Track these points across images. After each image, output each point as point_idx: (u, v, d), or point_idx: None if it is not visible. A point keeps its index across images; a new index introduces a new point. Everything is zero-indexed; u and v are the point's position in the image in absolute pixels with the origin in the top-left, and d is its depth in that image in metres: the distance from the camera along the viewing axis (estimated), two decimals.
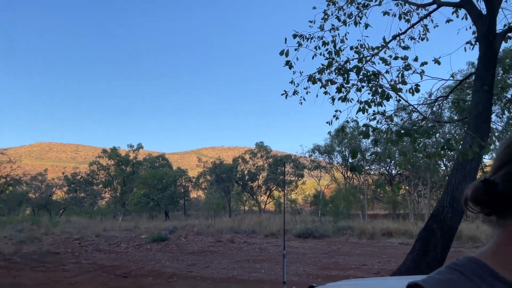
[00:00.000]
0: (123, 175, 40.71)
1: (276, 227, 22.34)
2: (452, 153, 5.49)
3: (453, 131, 24.30)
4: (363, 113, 5.58)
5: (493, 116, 20.07)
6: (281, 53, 6.11)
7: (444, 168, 28.32)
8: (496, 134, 19.73)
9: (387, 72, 7.65)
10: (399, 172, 34.25)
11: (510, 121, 21.33)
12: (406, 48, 8.90)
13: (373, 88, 5.93)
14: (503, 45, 7.83)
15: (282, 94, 8.76)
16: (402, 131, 5.31)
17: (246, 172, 40.97)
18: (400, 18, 8.31)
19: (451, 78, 7.38)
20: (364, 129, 5.79)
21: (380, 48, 7.98)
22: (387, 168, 35.26)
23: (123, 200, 39.57)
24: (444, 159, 24.39)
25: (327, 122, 8.40)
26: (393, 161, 30.01)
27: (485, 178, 0.80)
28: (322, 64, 6.29)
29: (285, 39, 6.03)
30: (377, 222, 24.55)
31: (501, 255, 0.74)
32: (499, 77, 17.22)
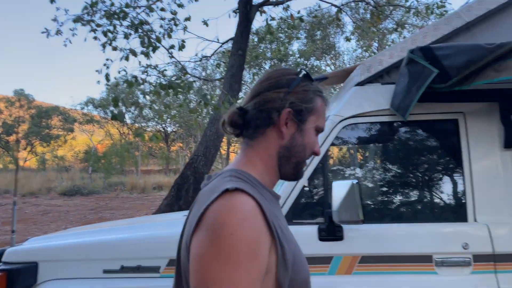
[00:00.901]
0: None
1: (37, 185, 20.11)
2: (210, 109, 6.07)
3: (219, 91, 26.80)
4: (127, 60, 5.47)
5: (250, 81, 23.12)
6: None
7: None
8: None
9: (161, 26, 7.71)
10: (174, 130, 35.74)
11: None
12: (180, 6, 9.12)
13: (141, 38, 5.86)
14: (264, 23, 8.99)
15: (42, 32, 7.76)
16: (165, 83, 5.50)
17: (0, 123, 34.51)
18: None
19: (216, 40, 8.07)
20: (130, 79, 5.70)
21: (154, 0, 7.91)
22: (163, 125, 36.22)
23: None
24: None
25: (96, 71, 7.92)
26: (165, 117, 30.99)
27: (240, 106, 0.97)
28: (86, 2, 5.77)
29: None
30: (149, 177, 25.20)
31: (253, 167, 0.93)
32: (260, 50, 19.85)
